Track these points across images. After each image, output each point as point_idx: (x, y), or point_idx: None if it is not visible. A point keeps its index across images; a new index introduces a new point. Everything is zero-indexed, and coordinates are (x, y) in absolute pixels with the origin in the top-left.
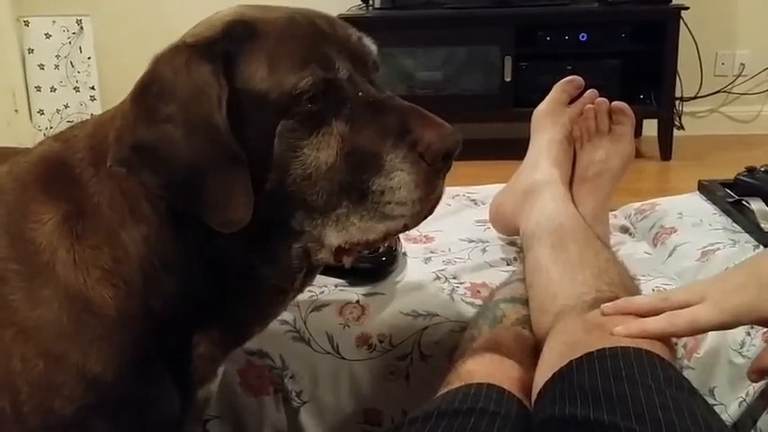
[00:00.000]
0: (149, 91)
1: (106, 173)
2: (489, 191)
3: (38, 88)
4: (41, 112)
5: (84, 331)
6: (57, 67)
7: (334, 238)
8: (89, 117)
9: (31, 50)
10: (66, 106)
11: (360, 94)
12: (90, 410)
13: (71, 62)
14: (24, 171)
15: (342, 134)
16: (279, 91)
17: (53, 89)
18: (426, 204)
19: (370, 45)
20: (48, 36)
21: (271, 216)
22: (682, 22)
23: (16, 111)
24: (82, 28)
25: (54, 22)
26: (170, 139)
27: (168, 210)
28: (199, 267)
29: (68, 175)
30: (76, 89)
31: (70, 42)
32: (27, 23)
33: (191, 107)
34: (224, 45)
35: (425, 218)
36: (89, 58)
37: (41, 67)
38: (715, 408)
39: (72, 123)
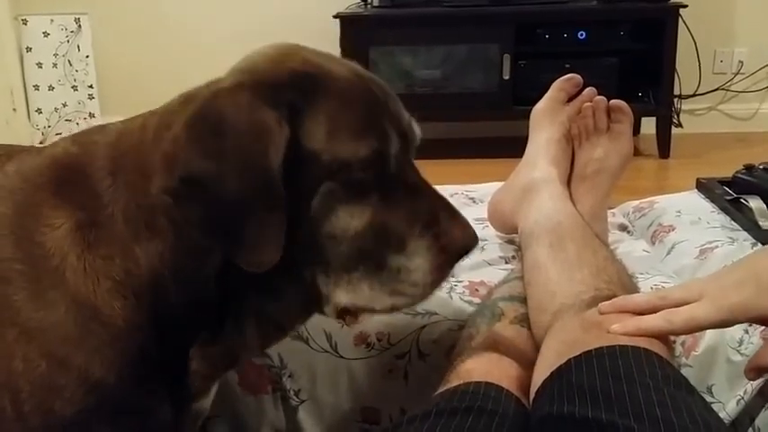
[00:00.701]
0: (205, 124)
1: (123, 184)
2: (487, 189)
3: (36, 87)
4: (39, 111)
5: (90, 338)
6: (55, 65)
7: (342, 297)
8: (106, 122)
9: (29, 49)
10: (65, 105)
11: (400, 172)
12: (90, 413)
13: (69, 61)
14: (36, 172)
15: (376, 207)
16: (333, 156)
17: (51, 88)
18: (435, 288)
19: (418, 129)
20: (46, 35)
21: (287, 263)
22: (680, 20)
23: (14, 109)
24: (80, 26)
25: (52, 20)
26: (220, 176)
27: (184, 225)
28: (207, 289)
29: (84, 182)
30: (74, 88)
31: (68, 41)
32: (25, 22)
33: (248, 147)
34: (290, 95)
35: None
36: (87, 56)
37: (39, 65)
38: (713, 406)
39: (88, 127)
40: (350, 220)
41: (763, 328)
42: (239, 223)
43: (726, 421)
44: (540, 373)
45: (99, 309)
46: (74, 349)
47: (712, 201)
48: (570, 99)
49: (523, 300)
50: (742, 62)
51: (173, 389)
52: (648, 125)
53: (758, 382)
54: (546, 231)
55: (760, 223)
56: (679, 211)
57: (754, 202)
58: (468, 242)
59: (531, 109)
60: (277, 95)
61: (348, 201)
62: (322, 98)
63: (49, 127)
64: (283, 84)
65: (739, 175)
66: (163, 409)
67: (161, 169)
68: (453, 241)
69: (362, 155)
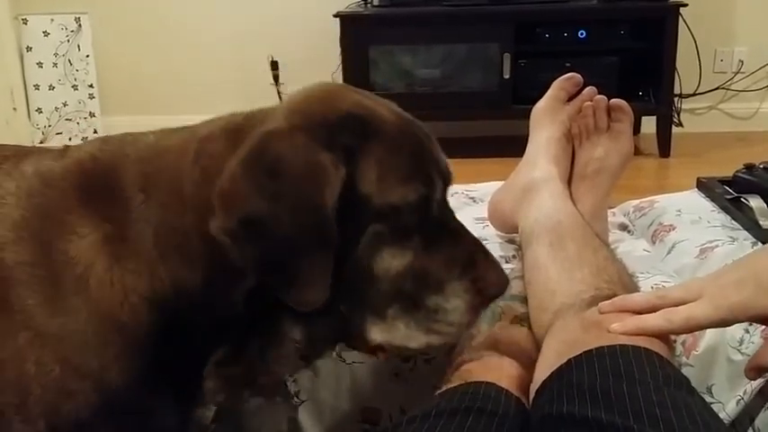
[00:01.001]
0: (263, 165)
1: (157, 204)
2: (488, 188)
3: (36, 86)
4: (40, 111)
5: (109, 347)
6: (55, 65)
7: (376, 334)
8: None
9: (29, 49)
10: (65, 104)
11: (441, 215)
12: (99, 416)
13: (69, 60)
14: (59, 177)
15: (418, 249)
16: (383, 200)
17: (51, 87)
18: (469, 327)
19: (451, 169)
20: (46, 34)
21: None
22: (680, 19)
23: (15, 109)
24: (80, 26)
25: (52, 20)
26: (277, 217)
27: (221, 253)
28: (234, 310)
29: (114, 195)
30: (75, 87)
31: (68, 40)
32: (25, 22)
33: (305, 189)
34: (344, 137)
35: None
36: (87, 56)
37: (40, 65)
38: (713, 406)
39: (116, 135)
40: (392, 261)
41: (764, 327)
42: (292, 263)
43: (726, 421)
44: (541, 373)
45: (123, 321)
46: (90, 357)
47: (713, 200)
48: (570, 98)
49: (524, 299)
50: (742, 61)
51: (182, 398)
52: (649, 124)
53: (758, 382)
54: (546, 230)
55: (760, 222)
56: (679, 211)
57: (755, 202)
58: (502, 286)
59: (531, 108)
60: (332, 138)
61: (392, 243)
62: (373, 141)
63: (50, 126)
64: (337, 126)
65: (739, 175)
66: (168, 415)
67: (219, 209)
68: (488, 285)
69: (411, 200)
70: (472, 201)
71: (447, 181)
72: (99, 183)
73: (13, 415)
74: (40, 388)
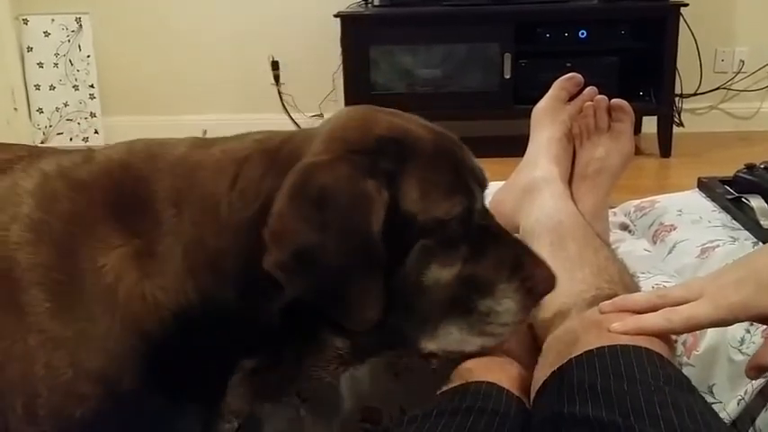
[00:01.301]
0: (309, 198)
1: (190, 220)
2: (489, 188)
3: (37, 87)
4: (41, 111)
5: (132, 355)
6: (56, 65)
7: (430, 343)
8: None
9: (30, 49)
10: (66, 104)
11: (483, 222)
12: (110, 420)
13: (70, 60)
14: (87, 183)
15: (465, 257)
16: (428, 216)
17: (52, 87)
18: (520, 325)
19: (486, 174)
20: (47, 34)
21: None
22: (681, 18)
23: (15, 109)
24: (81, 26)
25: (53, 20)
26: (326, 247)
27: (260, 272)
28: (269, 321)
29: (145, 207)
30: (75, 87)
31: (69, 40)
32: (26, 22)
33: (352, 218)
34: (385, 163)
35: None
36: (88, 56)
37: (40, 65)
38: (714, 406)
39: (141, 142)
40: (441, 273)
41: (765, 327)
42: (343, 288)
43: (726, 421)
44: (541, 373)
45: (150, 333)
46: (108, 363)
47: (713, 200)
48: (571, 98)
49: None
50: (743, 61)
51: (207, 406)
52: (649, 124)
53: (759, 382)
54: (547, 230)
55: (761, 222)
56: (680, 211)
57: (756, 201)
58: (550, 283)
59: (531, 108)
60: (373, 165)
61: (440, 255)
62: (412, 162)
63: (50, 126)
64: (376, 152)
65: (740, 174)
66: (188, 422)
67: (271, 246)
68: (537, 284)
69: (455, 213)
70: None
71: (483, 187)
72: (130, 193)
73: (17, 416)
74: (48, 390)
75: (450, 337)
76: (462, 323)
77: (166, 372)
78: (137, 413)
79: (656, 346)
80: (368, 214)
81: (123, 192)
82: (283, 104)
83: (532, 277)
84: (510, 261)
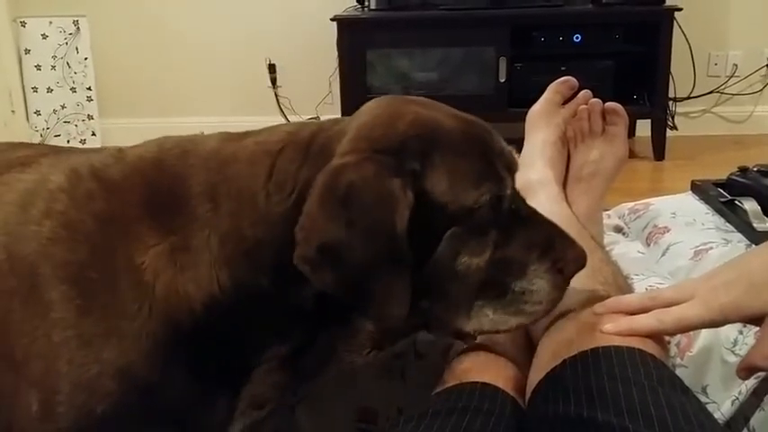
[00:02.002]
0: (335, 197)
1: (227, 212)
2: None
3: (34, 89)
4: (38, 113)
5: (165, 350)
6: (53, 67)
7: (464, 324)
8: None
9: (27, 51)
10: (63, 107)
11: (513, 206)
12: (131, 414)
13: (68, 63)
14: (123, 185)
15: (496, 242)
16: (457, 205)
17: (50, 90)
18: (556, 304)
19: (515, 156)
20: (44, 37)
21: None
22: (675, 23)
23: (13, 111)
24: (78, 29)
25: (50, 22)
26: (351, 243)
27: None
28: (302, 312)
29: (180, 205)
30: (73, 90)
31: (67, 43)
32: (23, 24)
33: (376, 215)
34: (410, 162)
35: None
36: (86, 58)
37: (38, 67)
38: (708, 406)
39: (172, 139)
40: (473, 259)
41: (758, 328)
42: (368, 284)
43: (720, 422)
44: (536, 374)
45: (183, 326)
46: (140, 360)
47: (707, 202)
48: (566, 102)
49: None
50: (736, 65)
51: (235, 395)
52: (643, 128)
53: (753, 383)
54: None
55: (754, 225)
56: (674, 213)
57: (749, 204)
58: (581, 261)
59: (526, 111)
60: (399, 163)
61: (471, 241)
62: (438, 154)
63: (48, 129)
64: (402, 149)
65: (734, 177)
66: (214, 411)
67: (299, 241)
68: (568, 263)
69: (484, 201)
70: None
71: (513, 171)
72: (164, 191)
73: (30, 413)
74: (70, 386)
75: (486, 319)
76: (497, 304)
77: (195, 363)
78: (162, 407)
79: (650, 347)
80: (392, 213)
81: (158, 190)
82: (280, 107)
83: (564, 257)
84: (541, 242)
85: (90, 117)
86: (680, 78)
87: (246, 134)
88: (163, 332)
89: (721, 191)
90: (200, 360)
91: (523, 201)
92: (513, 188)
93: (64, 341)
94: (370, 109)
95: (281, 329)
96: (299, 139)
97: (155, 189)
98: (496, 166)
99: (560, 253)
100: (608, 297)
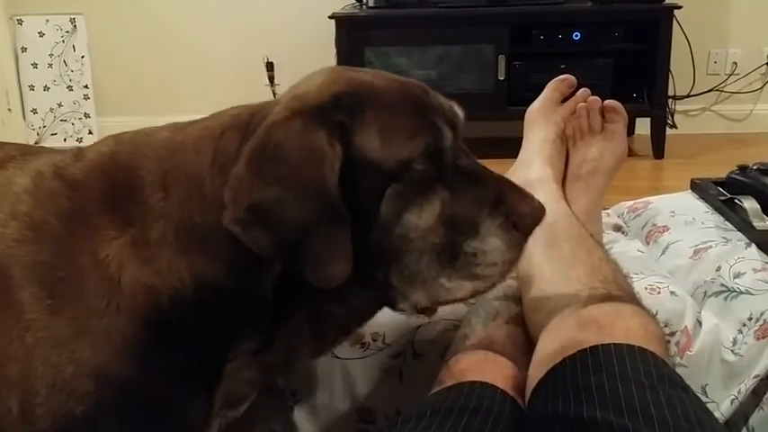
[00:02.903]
0: (264, 154)
1: (178, 201)
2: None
3: (31, 87)
4: (35, 111)
5: (134, 347)
6: (50, 65)
7: (420, 296)
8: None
9: (24, 49)
10: (60, 105)
11: (458, 161)
12: (110, 415)
13: (64, 61)
14: (83, 181)
15: (443, 199)
16: (392, 160)
17: (46, 88)
18: (513, 266)
19: (460, 111)
20: (41, 35)
21: (359, 268)
22: (675, 21)
23: (9, 110)
24: (75, 27)
25: (47, 20)
26: (281, 201)
27: (247, 247)
28: (263, 298)
29: (136, 195)
30: (70, 88)
31: (63, 41)
32: (20, 22)
33: (304, 171)
34: (337, 115)
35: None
36: (82, 56)
37: (35, 65)
38: (707, 405)
39: (128, 134)
40: (420, 216)
41: (758, 327)
42: (305, 243)
43: (720, 421)
44: (536, 373)
45: (150, 321)
46: (112, 356)
47: (706, 201)
48: (565, 99)
49: (518, 299)
50: (736, 63)
51: (209, 394)
52: (643, 126)
53: (752, 382)
54: (541, 231)
55: (754, 223)
56: (673, 212)
57: (748, 203)
58: (537, 215)
59: (525, 109)
60: (326, 117)
61: (415, 199)
62: (369, 111)
63: (45, 127)
64: (330, 106)
65: (733, 176)
66: (190, 412)
67: (228, 202)
68: (523, 217)
69: (420, 151)
70: None
71: (456, 125)
72: (121, 184)
73: (12, 416)
74: (46, 388)
75: (441, 288)
76: (450, 270)
77: (168, 360)
78: (139, 406)
79: (650, 345)
80: (321, 167)
81: (115, 183)
82: None
83: (516, 211)
84: (491, 197)
85: (87, 115)
86: (679, 76)
87: (195, 121)
88: (133, 329)
89: (721, 189)
90: (173, 357)
91: (471, 156)
92: (457, 143)
93: (38, 342)
94: (306, 78)
95: (248, 322)
96: (239, 121)
97: (112, 182)
98: (433, 119)
99: (513, 207)
100: (608, 295)
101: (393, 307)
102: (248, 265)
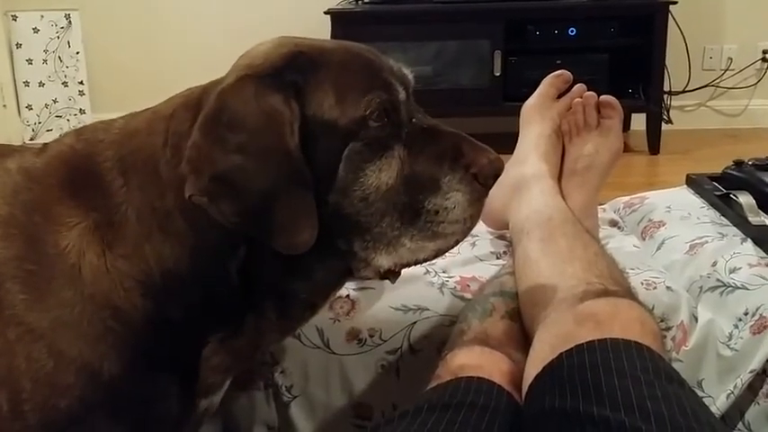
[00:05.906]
0: (220, 122)
1: (137, 186)
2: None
3: (26, 83)
4: (30, 107)
5: (107, 336)
6: (45, 61)
7: (384, 260)
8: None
9: (18, 45)
10: (55, 101)
11: (413, 119)
12: (94, 408)
13: (59, 57)
14: (43, 171)
15: (401, 157)
16: (348, 117)
17: (41, 84)
18: (475, 221)
19: (409, 73)
20: (36, 31)
21: (320, 239)
22: (670, 16)
23: (4, 106)
24: (70, 22)
25: (42, 16)
26: (244, 169)
27: (207, 227)
28: (227, 282)
29: (96, 182)
30: (65, 84)
31: (58, 37)
32: (15, 18)
33: (263, 135)
34: (291, 75)
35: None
36: (77, 52)
37: (29, 61)
38: (703, 400)
39: (89, 125)
40: (379, 176)
41: (753, 322)
42: (269, 209)
43: (716, 415)
44: (532, 368)
45: (119, 308)
46: (87, 348)
47: (702, 196)
48: (560, 95)
49: (515, 295)
50: (731, 58)
51: (183, 383)
52: (638, 121)
53: (748, 377)
54: (537, 226)
55: (749, 218)
56: (669, 207)
57: (744, 198)
58: (496, 166)
59: (521, 105)
60: (279, 79)
61: (372, 157)
62: (322, 71)
63: (40, 123)
64: (282, 67)
65: (729, 171)
66: (168, 403)
67: (190, 174)
68: (483, 169)
69: (374, 107)
70: None
71: (407, 84)
72: (81, 172)
73: (2, 412)
74: (31, 383)
75: (403, 249)
76: (412, 230)
77: (143, 349)
78: (122, 398)
79: (647, 340)
80: (280, 129)
81: (75, 172)
82: None
83: (476, 163)
84: (449, 152)
85: (82, 111)
86: (675, 72)
87: (149, 108)
88: (104, 317)
89: (716, 185)
90: (147, 346)
91: (426, 116)
92: (409, 101)
93: (18, 338)
94: (253, 48)
95: (216, 309)
96: (190, 100)
97: (71, 170)
98: (385, 77)
99: (472, 159)
100: (604, 290)
101: (357, 274)
102: (209, 249)
